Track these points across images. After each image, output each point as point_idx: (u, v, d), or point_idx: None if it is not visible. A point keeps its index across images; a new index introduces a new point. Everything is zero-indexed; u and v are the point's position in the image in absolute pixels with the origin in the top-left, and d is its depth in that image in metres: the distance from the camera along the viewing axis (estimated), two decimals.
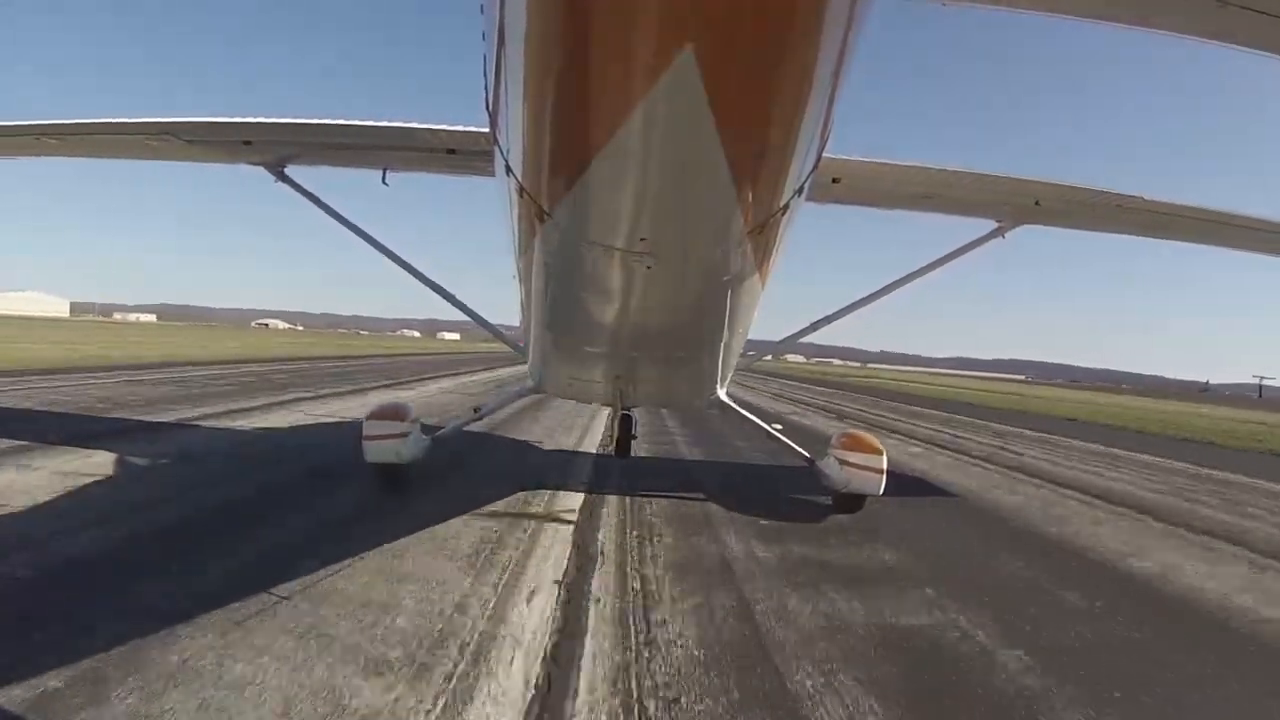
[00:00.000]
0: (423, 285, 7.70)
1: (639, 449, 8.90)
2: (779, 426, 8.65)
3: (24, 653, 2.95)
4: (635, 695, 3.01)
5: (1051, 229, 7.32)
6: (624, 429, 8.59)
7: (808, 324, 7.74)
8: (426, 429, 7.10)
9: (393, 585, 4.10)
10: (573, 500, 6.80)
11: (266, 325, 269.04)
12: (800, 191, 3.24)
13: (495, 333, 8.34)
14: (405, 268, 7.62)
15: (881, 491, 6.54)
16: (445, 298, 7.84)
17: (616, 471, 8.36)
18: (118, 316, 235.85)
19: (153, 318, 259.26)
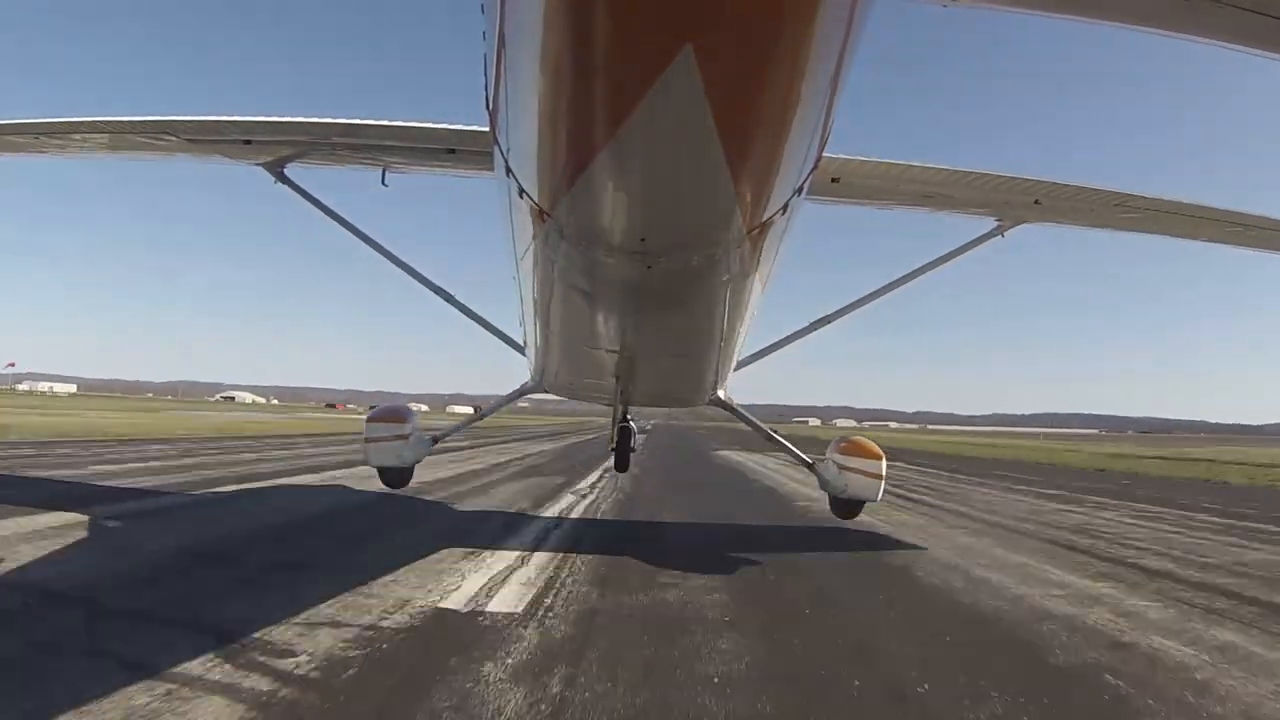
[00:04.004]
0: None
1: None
2: (779, 429, 8.67)
3: None
4: None
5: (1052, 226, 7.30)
6: (622, 443, 8.64)
7: (807, 324, 7.72)
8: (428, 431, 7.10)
9: None
10: None
11: (233, 398, 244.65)
12: (800, 191, 3.24)
13: (498, 334, 8.35)
14: (407, 270, 7.63)
15: (880, 497, 6.51)
16: (446, 299, 7.85)
17: None
18: (24, 386, 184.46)
19: (72, 388, 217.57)
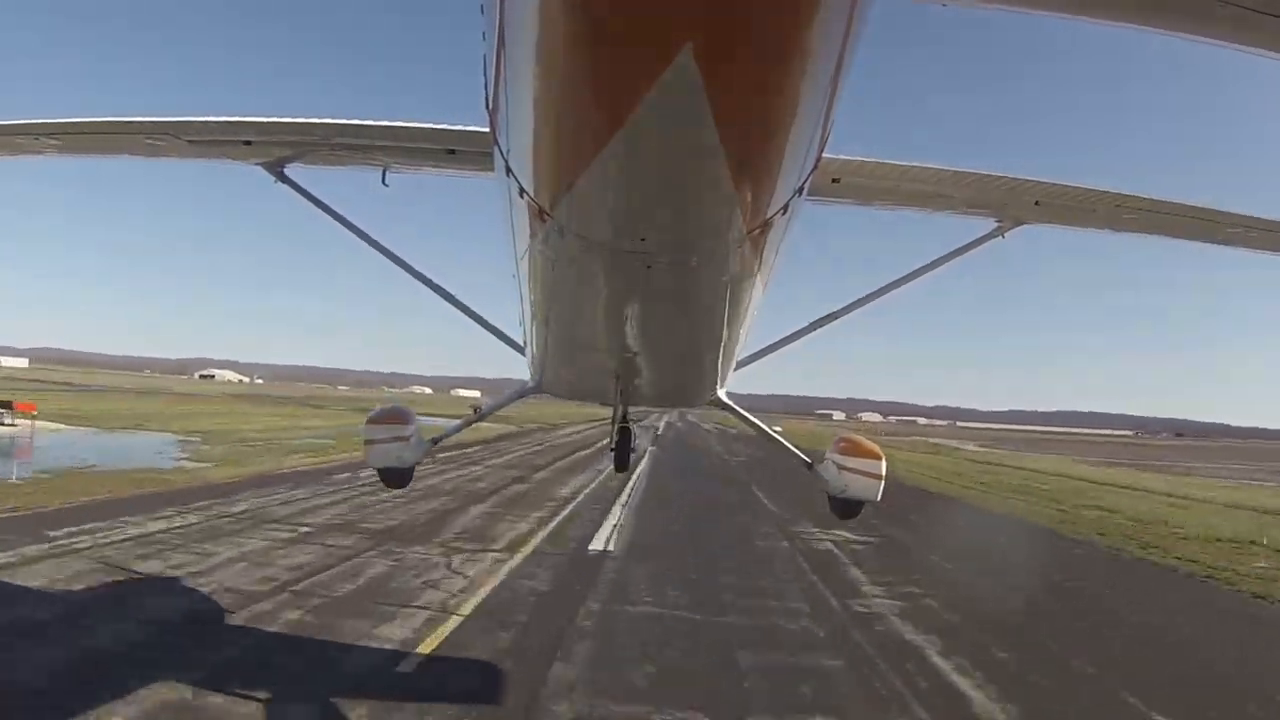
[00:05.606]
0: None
1: None
2: (779, 429, 8.66)
3: None
4: None
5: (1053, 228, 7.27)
6: (622, 444, 8.69)
7: (807, 323, 7.70)
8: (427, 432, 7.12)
9: None
10: None
11: (212, 376, 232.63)
12: (800, 191, 3.24)
13: (497, 334, 8.35)
14: (406, 269, 7.63)
15: (879, 497, 6.47)
16: (446, 299, 7.85)
17: None
18: None
19: (23, 362, 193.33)
